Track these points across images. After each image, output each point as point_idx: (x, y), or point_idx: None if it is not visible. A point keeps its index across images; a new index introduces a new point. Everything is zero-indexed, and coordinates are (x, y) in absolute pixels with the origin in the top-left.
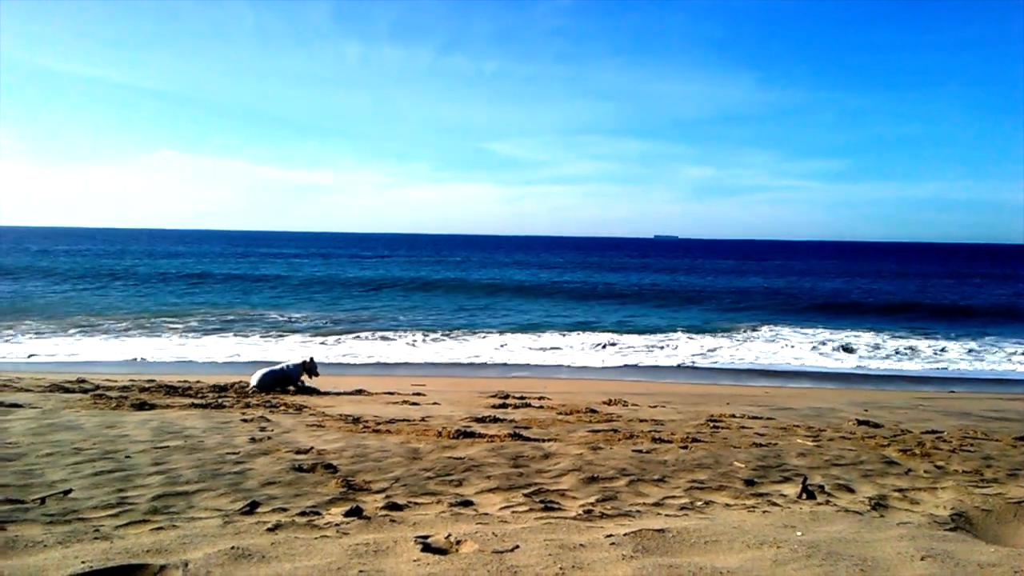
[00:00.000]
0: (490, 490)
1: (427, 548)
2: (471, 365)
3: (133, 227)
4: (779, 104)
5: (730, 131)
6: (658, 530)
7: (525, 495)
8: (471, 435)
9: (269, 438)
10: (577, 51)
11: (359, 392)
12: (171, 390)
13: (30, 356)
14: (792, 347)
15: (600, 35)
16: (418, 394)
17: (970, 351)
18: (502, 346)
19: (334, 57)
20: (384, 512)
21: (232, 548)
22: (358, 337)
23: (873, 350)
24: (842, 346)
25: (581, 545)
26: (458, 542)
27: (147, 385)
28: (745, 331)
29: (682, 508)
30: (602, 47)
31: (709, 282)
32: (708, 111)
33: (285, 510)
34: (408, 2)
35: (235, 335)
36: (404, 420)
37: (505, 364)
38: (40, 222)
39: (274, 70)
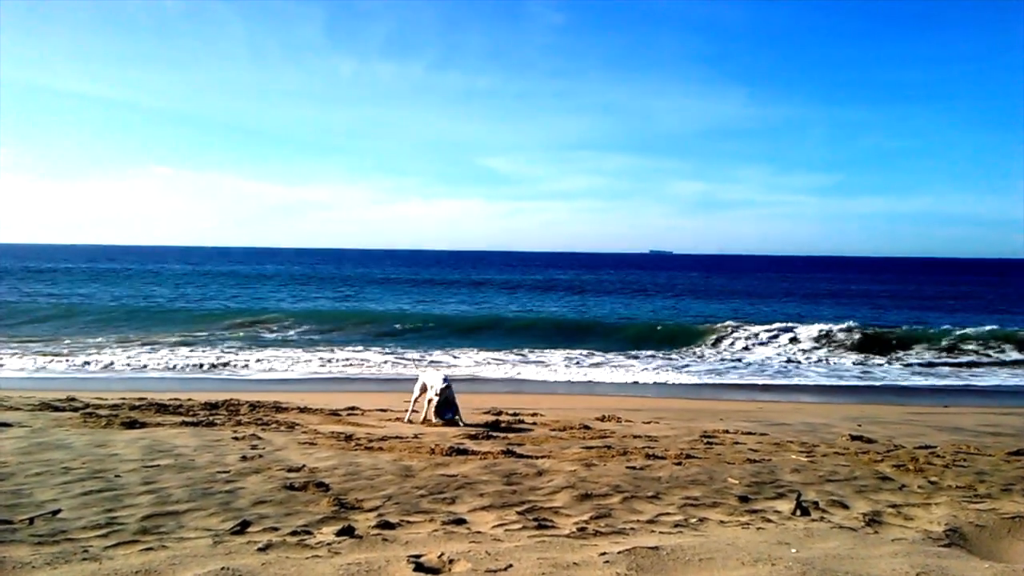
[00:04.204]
0: (483, 508)
1: (420, 567)
2: (464, 380)
3: (125, 244)
4: (770, 119)
5: (722, 146)
6: (652, 548)
7: (518, 513)
8: (464, 452)
9: (260, 456)
10: (569, 67)
11: (352, 409)
12: (162, 408)
13: None
14: (798, 365)
15: (592, 51)
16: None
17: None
18: (496, 362)
19: (327, 73)
20: (376, 531)
21: (222, 569)
22: (350, 354)
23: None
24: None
25: (575, 563)
26: (451, 561)
27: (138, 403)
28: (734, 344)
29: (676, 525)
30: (594, 63)
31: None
32: (699, 126)
33: (276, 529)
34: (401, 18)
35: (219, 349)
36: (396, 437)
37: (500, 380)
38: (30, 239)
39: (267, 86)
